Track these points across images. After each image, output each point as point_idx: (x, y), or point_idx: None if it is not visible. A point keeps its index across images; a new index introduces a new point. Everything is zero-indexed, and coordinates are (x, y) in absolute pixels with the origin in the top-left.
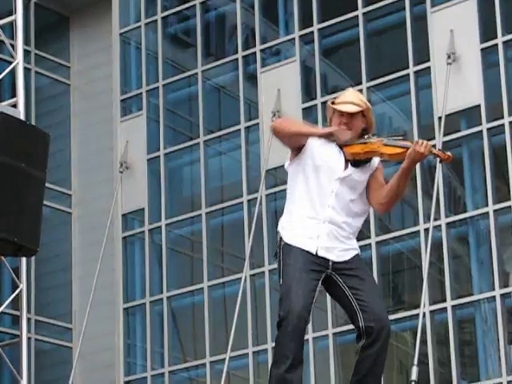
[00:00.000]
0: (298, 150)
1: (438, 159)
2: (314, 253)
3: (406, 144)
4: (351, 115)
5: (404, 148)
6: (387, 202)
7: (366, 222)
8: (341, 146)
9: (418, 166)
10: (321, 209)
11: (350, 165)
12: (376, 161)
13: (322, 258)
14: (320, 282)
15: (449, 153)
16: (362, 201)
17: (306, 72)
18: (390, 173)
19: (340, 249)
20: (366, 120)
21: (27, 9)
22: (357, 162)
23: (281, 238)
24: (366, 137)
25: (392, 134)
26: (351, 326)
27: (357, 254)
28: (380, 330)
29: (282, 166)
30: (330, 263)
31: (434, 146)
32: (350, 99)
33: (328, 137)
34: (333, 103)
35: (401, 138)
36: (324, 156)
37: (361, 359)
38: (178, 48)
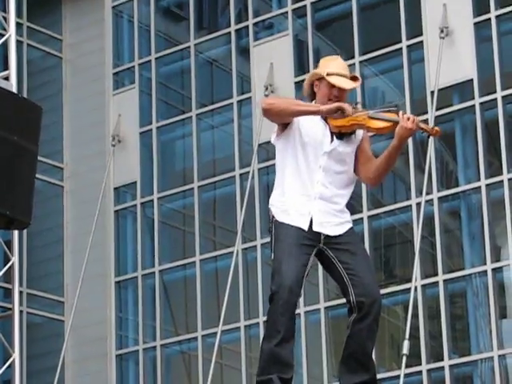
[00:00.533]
0: (284, 125)
1: (427, 134)
2: (307, 229)
3: (393, 118)
4: (343, 89)
5: (391, 122)
6: (377, 176)
7: (358, 196)
8: (325, 119)
9: (410, 140)
10: (310, 185)
11: (335, 138)
12: (361, 131)
13: (315, 232)
14: (312, 257)
15: (437, 127)
16: (350, 171)
17: (299, 46)
18: (381, 148)
19: (334, 223)
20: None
21: None
22: (341, 134)
23: (273, 216)
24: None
25: (384, 106)
26: (343, 300)
27: (351, 228)
28: (371, 305)
29: None
30: (322, 237)
31: (425, 120)
32: (344, 72)
33: (333, 113)
34: (328, 74)
35: (388, 110)
36: (310, 131)
37: (352, 333)
38: (171, 21)
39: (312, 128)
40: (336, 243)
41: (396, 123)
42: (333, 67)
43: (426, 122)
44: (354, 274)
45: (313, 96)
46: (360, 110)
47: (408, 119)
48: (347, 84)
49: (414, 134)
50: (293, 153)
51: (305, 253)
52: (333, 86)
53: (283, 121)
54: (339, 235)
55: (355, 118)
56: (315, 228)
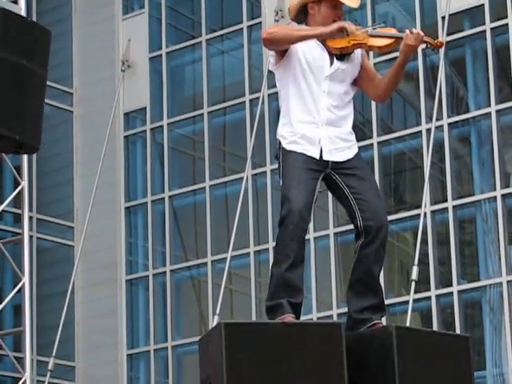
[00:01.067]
0: (282, 52)
1: (431, 47)
2: (318, 157)
3: (395, 33)
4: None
5: (393, 38)
6: (387, 93)
7: (368, 122)
8: (323, 42)
9: (420, 66)
10: (316, 112)
11: (335, 59)
12: (359, 49)
13: (323, 160)
14: (319, 181)
15: (440, 39)
16: (351, 87)
17: None
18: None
19: (342, 148)
20: None
21: None
22: (342, 55)
23: (282, 147)
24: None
25: (374, 25)
26: (352, 226)
27: (357, 152)
28: (378, 229)
29: None
30: (330, 163)
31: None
32: None
33: (336, 33)
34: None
35: (384, 26)
36: (309, 56)
37: (359, 258)
38: None
39: (310, 53)
40: (344, 168)
41: (398, 39)
42: None
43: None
44: (362, 198)
45: (302, 20)
46: (358, 28)
47: (411, 35)
48: (354, 2)
49: (417, 48)
50: (294, 80)
51: (313, 177)
52: (335, 6)
53: (285, 48)
54: (347, 160)
55: (355, 38)
56: (325, 156)
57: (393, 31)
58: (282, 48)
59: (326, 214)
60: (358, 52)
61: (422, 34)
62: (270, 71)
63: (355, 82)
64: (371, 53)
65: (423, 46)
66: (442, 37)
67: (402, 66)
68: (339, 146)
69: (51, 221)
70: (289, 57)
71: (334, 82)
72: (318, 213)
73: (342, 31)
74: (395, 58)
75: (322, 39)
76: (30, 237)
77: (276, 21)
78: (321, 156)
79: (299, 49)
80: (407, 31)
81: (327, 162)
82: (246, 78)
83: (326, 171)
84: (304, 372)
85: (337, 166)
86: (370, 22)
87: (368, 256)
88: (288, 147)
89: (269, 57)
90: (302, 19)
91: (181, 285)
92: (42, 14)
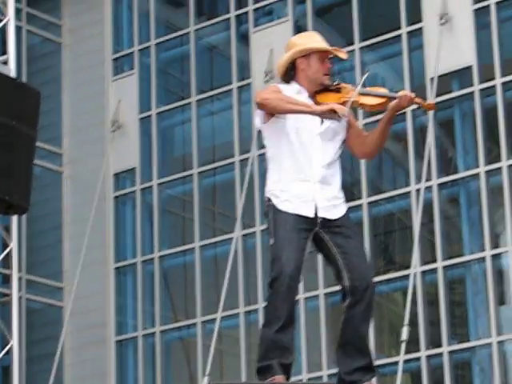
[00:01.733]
0: None
1: (423, 108)
2: (312, 215)
3: (385, 93)
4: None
5: (385, 97)
6: (374, 150)
7: (358, 182)
8: (314, 98)
9: (409, 127)
10: (309, 169)
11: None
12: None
13: (314, 216)
14: (309, 241)
15: (432, 101)
16: (340, 148)
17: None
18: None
19: (334, 205)
20: None
21: None
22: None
23: (272, 205)
24: (335, 83)
25: (360, 84)
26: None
27: (347, 211)
28: (365, 290)
29: None
30: (319, 221)
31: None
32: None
33: (326, 115)
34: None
35: (365, 85)
36: (301, 115)
37: (347, 319)
38: (171, 7)
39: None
40: (333, 226)
41: (389, 98)
42: (318, 41)
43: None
44: (349, 258)
45: (291, 77)
46: (347, 88)
47: (405, 97)
48: (342, 53)
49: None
50: (286, 138)
51: (303, 237)
52: (324, 60)
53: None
54: (337, 218)
55: (345, 96)
56: (320, 214)
57: (382, 90)
58: (274, 112)
59: (315, 274)
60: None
61: (413, 95)
62: (259, 131)
63: (344, 142)
64: (360, 113)
65: (414, 106)
66: (431, 98)
67: (390, 122)
68: (332, 203)
69: (40, 282)
70: (280, 115)
71: (324, 139)
72: (308, 273)
73: (333, 113)
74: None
75: (313, 96)
76: (19, 298)
77: (266, 82)
78: (315, 213)
79: None
80: (400, 92)
81: (318, 219)
82: (236, 138)
83: (315, 229)
84: None
85: (327, 223)
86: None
87: (355, 317)
88: (280, 206)
89: (255, 115)
90: (291, 76)
91: (170, 346)
92: (32, 75)
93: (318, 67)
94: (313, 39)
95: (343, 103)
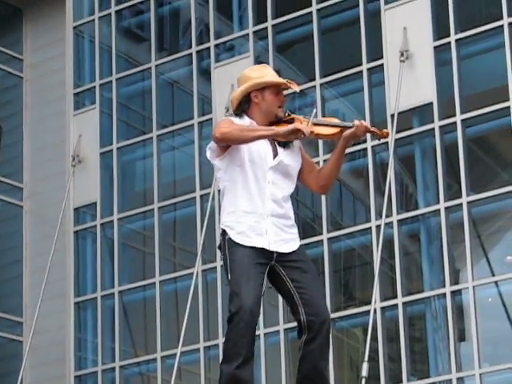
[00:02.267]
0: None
1: (377, 136)
2: (268, 248)
3: (339, 122)
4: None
5: (339, 127)
6: (328, 183)
7: (318, 218)
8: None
9: (370, 163)
10: (261, 203)
11: (278, 150)
12: (296, 141)
13: (269, 250)
14: (265, 275)
15: (385, 130)
16: (293, 183)
17: None
18: None
19: (287, 239)
20: None
21: None
22: (286, 143)
23: (228, 238)
24: (286, 114)
25: (308, 115)
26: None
27: (301, 245)
28: (321, 324)
29: None
30: (275, 255)
31: (386, 143)
32: (278, 76)
33: (291, 135)
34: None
35: (316, 115)
36: (254, 149)
37: (304, 355)
38: (132, 42)
39: (255, 145)
40: (288, 260)
41: (344, 128)
42: (270, 74)
43: (386, 144)
44: (305, 292)
45: (245, 110)
46: (300, 119)
47: (360, 126)
48: (296, 86)
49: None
50: (241, 171)
51: (260, 272)
52: (278, 93)
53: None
54: (291, 252)
55: (299, 126)
56: (271, 247)
57: (335, 120)
58: (237, 143)
59: (275, 309)
60: (296, 145)
61: (368, 125)
62: None
63: (298, 177)
64: (321, 148)
65: (368, 135)
66: (392, 135)
67: (344, 151)
68: (284, 237)
69: (0, 316)
70: (234, 149)
71: (277, 173)
72: (267, 308)
73: (297, 133)
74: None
75: (266, 125)
76: None
77: (227, 117)
78: (269, 247)
79: None
80: (355, 121)
81: (272, 253)
82: (197, 173)
83: (271, 263)
84: None
85: (281, 258)
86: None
87: (313, 352)
88: (235, 238)
89: (207, 148)
90: (244, 109)
91: (130, 380)
92: None
93: (272, 100)
94: (265, 72)
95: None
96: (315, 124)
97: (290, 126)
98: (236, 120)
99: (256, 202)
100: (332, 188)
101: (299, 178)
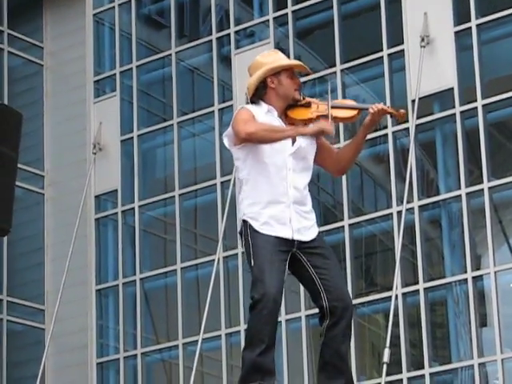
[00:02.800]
0: None
1: (395, 118)
2: (291, 238)
3: (357, 104)
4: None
5: (356, 109)
6: (346, 166)
7: (340, 204)
8: (285, 116)
9: (390, 148)
10: (284, 191)
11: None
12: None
13: (290, 239)
14: (287, 262)
15: (402, 110)
16: (310, 167)
17: None
18: None
19: (308, 226)
20: None
21: None
22: None
23: (249, 225)
24: (302, 98)
25: (326, 98)
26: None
27: (319, 231)
28: (344, 310)
29: None
30: (297, 242)
31: (407, 129)
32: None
33: (317, 135)
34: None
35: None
36: None
37: (326, 340)
38: (152, 29)
39: None
40: (309, 247)
41: (361, 110)
42: (283, 58)
43: (407, 129)
44: (327, 279)
45: (261, 96)
46: (316, 102)
47: (376, 111)
48: (308, 69)
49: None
50: (261, 160)
51: (283, 259)
52: (293, 76)
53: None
54: (312, 239)
55: (318, 110)
56: (295, 236)
57: (351, 102)
58: (261, 142)
59: (297, 296)
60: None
61: (385, 106)
62: None
63: (314, 160)
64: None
65: (389, 119)
66: (413, 120)
67: (365, 136)
68: (305, 224)
69: (22, 303)
70: None
71: (297, 159)
72: (289, 295)
73: (322, 133)
74: None
75: (284, 114)
76: (1, 320)
77: (247, 103)
78: (293, 236)
79: None
80: (371, 106)
81: (295, 241)
82: (218, 160)
83: (292, 250)
84: None
85: (302, 245)
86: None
87: (335, 337)
88: (259, 229)
89: (224, 136)
90: (261, 95)
91: (152, 367)
92: (14, 97)
93: (289, 83)
94: (278, 57)
95: (316, 117)
96: (333, 107)
97: (315, 127)
98: (253, 108)
99: (278, 191)
100: (350, 171)
101: (319, 161)
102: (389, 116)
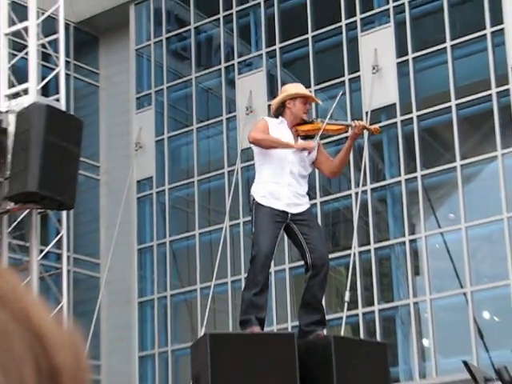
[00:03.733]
0: None
1: (371, 132)
2: (281, 209)
3: (343, 122)
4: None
5: (343, 125)
6: (338, 170)
7: (313, 187)
8: (293, 126)
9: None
10: (281, 175)
11: (299, 141)
12: (316, 140)
13: (285, 211)
14: (281, 230)
15: (377, 126)
16: (307, 167)
17: (271, 78)
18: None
19: (299, 203)
20: None
21: (67, 30)
22: (306, 137)
23: (254, 199)
24: (307, 119)
25: (333, 119)
26: (301, 263)
27: (309, 208)
28: (322, 265)
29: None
30: (289, 215)
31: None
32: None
33: (302, 149)
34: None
35: (337, 120)
36: (283, 138)
37: (308, 286)
38: (178, 60)
39: (283, 135)
40: (299, 220)
41: (347, 126)
42: (302, 89)
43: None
44: (311, 242)
45: (280, 113)
46: (316, 120)
47: (357, 126)
48: (317, 99)
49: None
50: (269, 153)
51: (277, 227)
52: (306, 102)
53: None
54: (301, 213)
55: (316, 125)
56: (285, 209)
57: (341, 121)
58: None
59: (282, 253)
60: (315, 142)
61: (365, 123)
62: (242, 150)
63: (313, 164)
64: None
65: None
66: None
67: (350, 147)
68: (296, 201)
69: (83, 259)
70: None
71: (296, 156)
72: (277, 252)
73: (305, 149)
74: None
75: (293, 125)
76: (68, 271)
77: (246, 114)
78: (282, 208)
79: (275, 132)
80: (354, 122)
81: (287, 214)
82: (225, 155)
83: (286, 221)
84: (266, 368)
85: (294, 217)
86: (314, 114)
87: (314, 285)
88: (260, 201)
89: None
90: (280, 111)
91: (178, 305)
92: (77, 109)
93: (301, 107)
94: (298, 88)
95: (314, 130)
96: (328, 124)
97: (299, 145)
98: (270, 120)
99: (277, 175)
100: (340, 173)
101: (317, 165)
102: (366, 131)
